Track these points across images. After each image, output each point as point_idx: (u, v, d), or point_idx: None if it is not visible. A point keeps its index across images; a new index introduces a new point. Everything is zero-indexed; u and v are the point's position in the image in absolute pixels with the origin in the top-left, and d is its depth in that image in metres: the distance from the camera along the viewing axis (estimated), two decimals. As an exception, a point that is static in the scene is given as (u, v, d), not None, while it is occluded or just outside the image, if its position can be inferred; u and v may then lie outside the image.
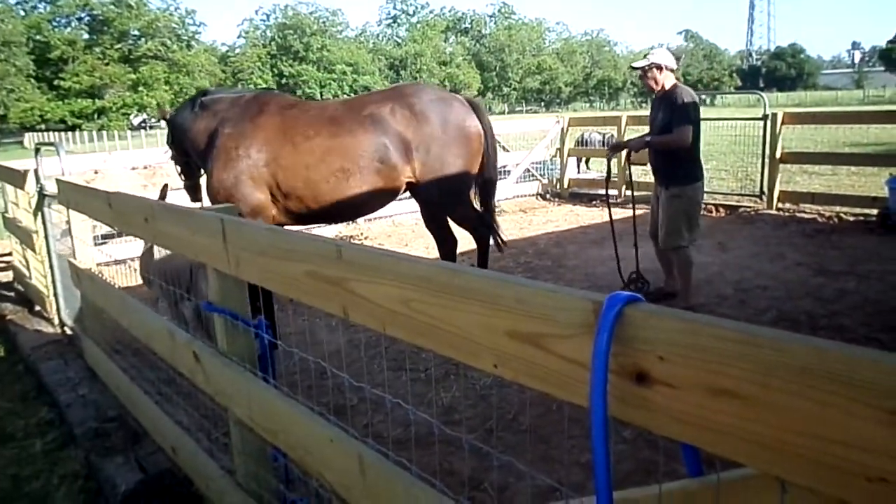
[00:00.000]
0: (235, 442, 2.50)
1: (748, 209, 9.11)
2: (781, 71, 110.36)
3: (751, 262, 6.65)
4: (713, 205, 9.28)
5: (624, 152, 5.89)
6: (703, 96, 11.75)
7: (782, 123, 8.89)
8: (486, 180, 5.37)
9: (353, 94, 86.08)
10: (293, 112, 4.87)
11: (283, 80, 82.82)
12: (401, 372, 4.26)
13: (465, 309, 1.24)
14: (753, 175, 9.54)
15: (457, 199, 5.12)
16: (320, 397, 3.62)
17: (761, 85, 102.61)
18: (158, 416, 3.29)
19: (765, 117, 9.04)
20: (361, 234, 8.75)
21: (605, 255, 6.96)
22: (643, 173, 12.75)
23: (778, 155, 8.94)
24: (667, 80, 5.12)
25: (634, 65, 5.39)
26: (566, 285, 5.82)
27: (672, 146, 5.02)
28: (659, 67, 5.08)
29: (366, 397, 3.81)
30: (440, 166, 4.87)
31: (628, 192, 10.08)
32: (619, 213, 9.19)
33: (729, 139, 11.47)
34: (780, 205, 9.04)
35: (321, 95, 78.35)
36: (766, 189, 9.14)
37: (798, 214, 8.68)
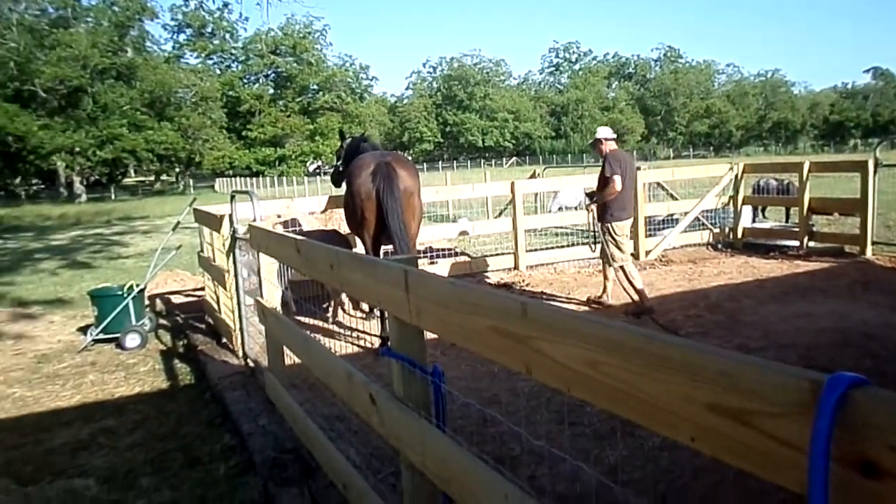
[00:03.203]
0: (406, 485, 2.55)
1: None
2: None
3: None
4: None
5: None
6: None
7: None
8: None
9: (514, 141, 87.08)
10: None
11: (447, 129, 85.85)
12: (563, 425, 4.17)
13: (660, 377, 1.19)
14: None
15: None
16: (482, 445, 3.64)
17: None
18: (331, 451, 3.43)
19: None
20: (523, 280, 8.77)
21: (786, 312, 6.47)
22: (827, 223, 11.85)
23: None
24: (607, 148, 7.09)
25: (591, 141, 7.48)
26: (742, 343, 5.53)
27: (608, 196, 6.92)
28: (601, 141, 7.15)
29: (528, 448, 3.77)
30: None
31: (810, 244, 9.44)
32: (803, 266, 8.62)
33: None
34: None
35: (483, 143, 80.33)
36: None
37: None
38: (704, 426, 1.13)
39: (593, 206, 7.16)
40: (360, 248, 7.02)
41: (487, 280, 8.86)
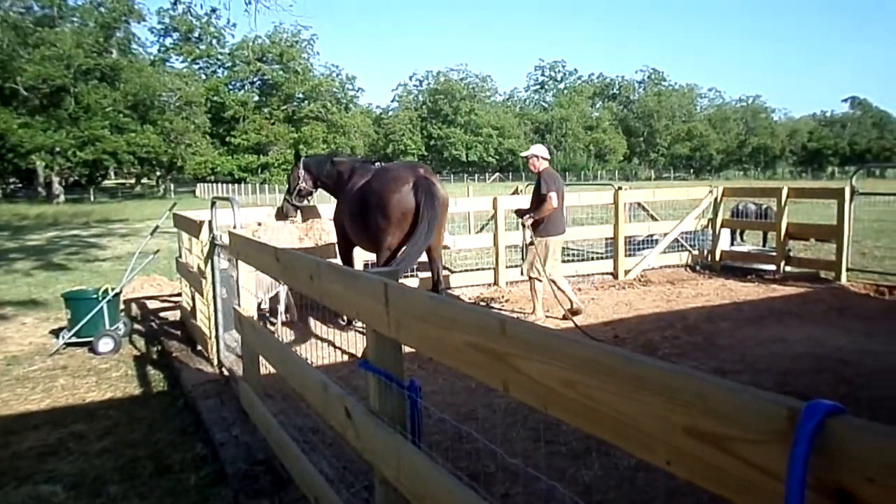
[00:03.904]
0: (379, 501, 2.52)
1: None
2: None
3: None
4: (887, 286, 8.52)
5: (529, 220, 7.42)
6: (872, 168, 10.94)
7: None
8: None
9: (497, 157, 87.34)
10: None
11: (432, 142, 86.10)
12: (539, 443, 4.16)
13: (637, 398, 1.19)
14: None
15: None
16: (457, 461, 3.61)
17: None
18: (304, 464, 3.39)
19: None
20: (502, 296, 8.78)
21: (763, 336, 6.53)
22: (804, 248, 11.99)
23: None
24: (542, 166, 7.42)
25: (522, 154, 7.97)
26: (718, 366, 5.56)
27: (544, 213, 7.23)
28: (536, 157, 7.45)
29: (503, 466, 3.75)
30: None
31: (787, 268, 9.54)
32: (779, 290, 8.72)
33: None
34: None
35: (467, 157, 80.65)
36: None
37: None
38: (681, 450, 1.13)
39: (528, 222, 7.33)
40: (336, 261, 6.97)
41: (464, 296, 8.85)
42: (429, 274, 7.26)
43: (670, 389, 1.14)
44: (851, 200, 8.96)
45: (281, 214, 7.67)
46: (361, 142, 76.92)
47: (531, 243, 7.44)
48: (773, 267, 9.68)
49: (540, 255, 7.32)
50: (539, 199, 7.33)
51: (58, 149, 48.24)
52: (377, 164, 7.25)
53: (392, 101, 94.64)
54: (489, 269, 9.37)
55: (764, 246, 11.92)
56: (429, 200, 6.28)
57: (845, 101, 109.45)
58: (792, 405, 0.96)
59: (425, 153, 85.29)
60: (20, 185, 58.79)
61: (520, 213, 7.76)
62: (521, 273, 7.67)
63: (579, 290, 8.28)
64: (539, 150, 7.60)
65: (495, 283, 9.21)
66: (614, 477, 3.71)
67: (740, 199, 11.91)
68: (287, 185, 7.84)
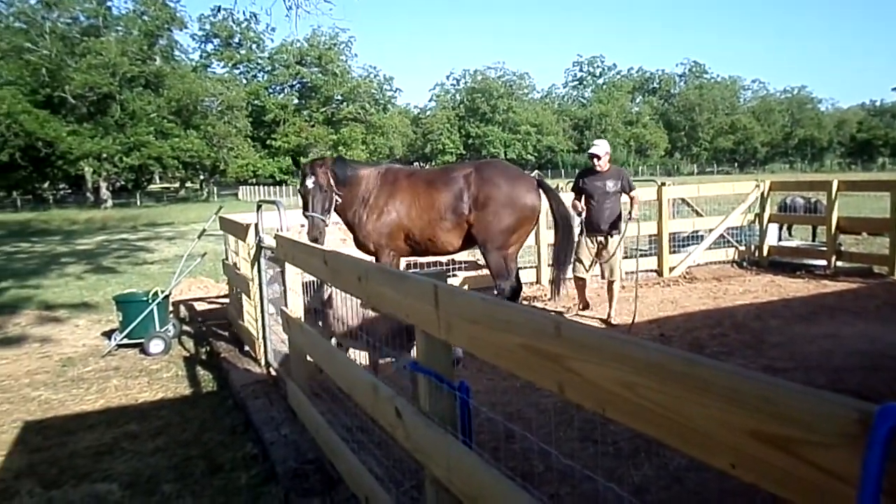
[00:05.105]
0: (430, 500, 2.53)
1: None
2: None
3: None
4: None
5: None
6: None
7: None
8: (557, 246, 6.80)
9: (536, 154, 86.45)
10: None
11: (470, 141, 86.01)
12: (588, 443, 4.13)
13: (700, 402, 1.18)
14: None
15: (493, 247, 6.38)
16: (505, 461, 3.61)
17: None
18: (354, 463, 3.43)
19: None
20: (545, 294, 8.73)
21: (814, 333, 6.37)
22: (855, 242, 11.67)
23: None
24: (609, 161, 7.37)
25: (591, 151, 7.30)
26: (768, 364, 5.45)
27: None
28: (608, 154, 7.30)
29: (553, 466, 3.74)
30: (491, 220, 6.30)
31: (838, 263, 9.30)
32: (830, 286, 8.50)
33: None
34: None
35: (505, 155, 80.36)
36: None
37: None
38: (745, 453, 1.11)
39: (636, 214, 7.24)
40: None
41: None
42: (472, 273, 7.28)
43: (735, 392, 1.12)
44: (905, 192, 8.69)
45: (315, 233, 6.26)
46: (400, 142, 77.26)
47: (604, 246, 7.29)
48: (823, 262, 9.45)
49: (617, 254, 7.26)
50: (615, 197, 7.19)
51: (105, 155, 49.53)
52: (413, 164, 7.30)
53: (430, 101, 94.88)
54: (531, 267, 9.33)
55: (813, 241, 11.65)
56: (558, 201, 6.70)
57: (895, 89, 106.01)
58: (863, 408, 0.94)
59: (463, 152, 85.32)
60: (70, 191, 60.56)
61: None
62: (606, 276, 7.42)
63: (623, 287, 8.17)
64: (607, 146, 7.46)
65: (537, 282, 9.17)
66: (664, 477, 3.67)
67: (788, 192, 11.66)
68: (308, 201, 6.31)
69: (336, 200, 6.40)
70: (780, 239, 11.07)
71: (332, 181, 6.35)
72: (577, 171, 9.27)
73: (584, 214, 7.20)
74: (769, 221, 10.28)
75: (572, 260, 7.14)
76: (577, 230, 7.17)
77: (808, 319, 6.92)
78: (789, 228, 12.49)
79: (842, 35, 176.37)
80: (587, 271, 7.40)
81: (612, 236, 7.20)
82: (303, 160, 6.27)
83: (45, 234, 24.52)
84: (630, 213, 7.21)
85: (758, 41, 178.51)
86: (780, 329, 6.59)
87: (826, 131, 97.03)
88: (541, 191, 6.54)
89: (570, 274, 7.42)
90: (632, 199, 7.28)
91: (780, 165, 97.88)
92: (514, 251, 6.60)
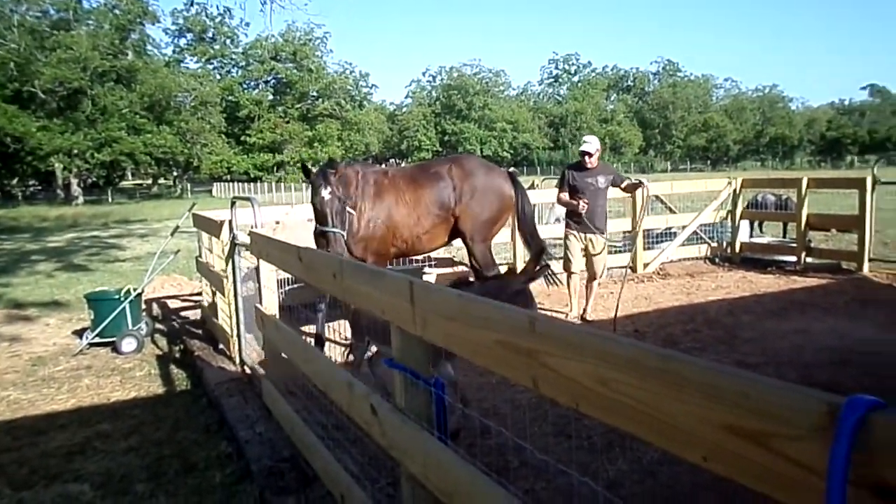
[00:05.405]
0: (406, 496, 2.53)
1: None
2: None
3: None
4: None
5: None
6: (894, 157, 10.81)
7: None
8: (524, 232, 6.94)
9: (512, 151, 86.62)
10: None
11: (446, 138, 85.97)
12: (562, 438, 4.15)
13: (678, 397, 1.18)
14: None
15: (479, 238, 6.46)
16: (480, 456, 3.62)
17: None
18: (329, 461, 3.41)
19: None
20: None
21: (784, 329, 6.47)
22: (824, 239, 11.86)
23: None
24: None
25: (583, 148, 7.12)
26: (740, 359, 5.52)
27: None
28: (599, 151, 7.20)
29: (528, 461, 3.76)
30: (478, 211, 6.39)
31: (808, 259, 9.45)
32: (800, 282, 8.63)
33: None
34: None
35: (481, 152, 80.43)
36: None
37: None
38: (720, 447, 1.12)
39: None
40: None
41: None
42: (447, 269, 7.27)
43: (711, 387, 1.13)
44: (873, 190, 8.85)
45: (338, 248, 5.64)
46: (375, 139, 77.02)
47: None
48: (793, 258, 9.59)
49: (604, 252, 7.25)
50: (604, 193, 7.10)
51: (76, 151, 48.71)
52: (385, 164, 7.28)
53: (406, 98, 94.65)
54: (505, 264, 9.33)
55: (784, 237, 11.82)
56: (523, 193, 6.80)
57: (864, 88, 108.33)
58: (832, 400, 0.96)
59: (439, 149, 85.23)
60: (40, 188, 59.51)
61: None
62: (597, 273, 7.25)
63: (599, 284, 8.21)
64: (598, 143, 7.27)
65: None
66: (638, 471, 3.71)
67: (759, 190, 11.81)
68: (327, 214, 5.67)
69: (349, 212, 5.76)
70: (751, 235, 11.22)
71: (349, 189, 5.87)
72: (552, 168, 9.31)
73: (585, 209, 6.89)
74: (741, 218, 10.41)
75: (563, 255, 7.29)
76: (561, 223, 7.31)
77: (778, 315, 7.03)
78: (760, 225, 12.66)
79: (812, 35, 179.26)
80: (577, 268, 7.26)
81: (602, 234, 7.14)
82: (311, 167, 5.89)
83: (14, 232, 24.05)
84: (643, 204, 7.47)
85: (730, 40, 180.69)
86: (752, 325, 6.69)
87: (796, 130, 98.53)
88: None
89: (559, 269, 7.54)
90: (637, 185, 7.27)
91: (751, 163, 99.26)
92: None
